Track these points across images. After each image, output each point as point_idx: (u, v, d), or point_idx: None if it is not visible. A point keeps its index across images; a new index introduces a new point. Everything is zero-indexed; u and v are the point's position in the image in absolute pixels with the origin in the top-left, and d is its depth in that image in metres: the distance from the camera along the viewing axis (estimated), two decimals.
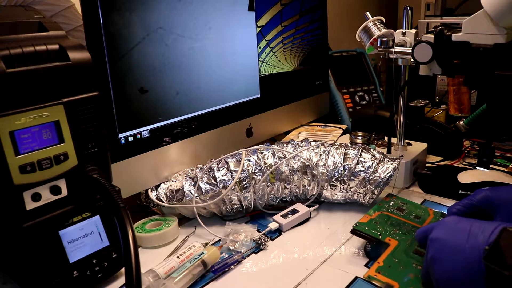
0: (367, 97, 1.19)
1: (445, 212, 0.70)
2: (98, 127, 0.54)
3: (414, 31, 0.76)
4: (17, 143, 0.47)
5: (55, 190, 0.51)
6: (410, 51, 0.72)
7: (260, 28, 0.92)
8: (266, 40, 0.94)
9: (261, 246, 0.66)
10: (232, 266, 0.61)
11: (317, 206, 0.76)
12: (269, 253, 0.65)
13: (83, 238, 0.54)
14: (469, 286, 0.44)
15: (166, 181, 0.75)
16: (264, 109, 0.96)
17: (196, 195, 0.69)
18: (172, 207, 0.71)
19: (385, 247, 0.60)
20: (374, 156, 0.74)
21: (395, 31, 0.78)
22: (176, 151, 0.77)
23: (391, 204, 0.71)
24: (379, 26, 0.79)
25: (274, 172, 0.73)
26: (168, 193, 0.72)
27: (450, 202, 0.77)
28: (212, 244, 0.66)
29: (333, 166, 0.73)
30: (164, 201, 0.71)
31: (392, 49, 0.77)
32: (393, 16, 1.65)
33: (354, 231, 0.63)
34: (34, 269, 0.51)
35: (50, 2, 0.76)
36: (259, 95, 0.94)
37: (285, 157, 0.74)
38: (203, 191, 0.69)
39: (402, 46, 0.76)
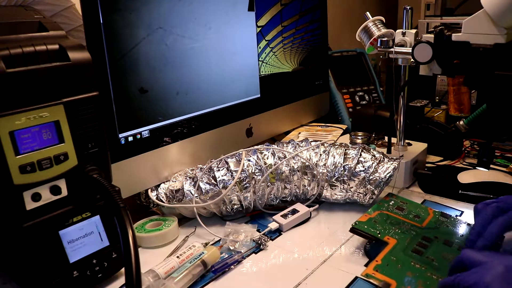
0: (367, 97, 1.19)
1: (445, 211, 0.70)
2: (98, 127, 0.54)
3: (414, 31, 0.76)
4: (17, 143, 0.47)
5: (55, 190, 0.51)
6: (410, 51, 0.72)
7: (260, 28, 0.92)
8: (266, 40, 0.94)
9: (261, 246, 0.66)
10: (232, 266, 0.61)
11: (317, 206, 0.76)
12: (269, 253, 0.65)
13: (83, 238, 0.54)
14: None
15: (166, 181, 0.75)
16: (264, 109, 0.96)
17: (196, 195, 0.69)
18: (172, 207, 0.71)
19: (384, 245, 0.60)
20: (374, 156, 0.74)
21: (395, 31, 0.78)
22: (176, 151, 0.77)
23: (391, 203, 0.71)
24: (379, 26, 0.79)
25: (274, 172, 0.73)
26: (168, 193, 0.72)
27: (450, 202, 0.77)
28: (212, 244, 0.66)
29: (333, 166, 0.73)
30: (164, 201, 0.71)
31: (392, 49, 0.77)
32: (393, 16, 1.65)
33: (353, 230, 0.63)
34: (34, 269, 0.51)
35: (50, 2, 0.76)
36: (259, 95, 0.94)
37: (285, 157, 0.74)
38: (203, 191, 0.69)
39: (402, 46, 0.76)
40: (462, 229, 0.65)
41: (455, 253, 0.58)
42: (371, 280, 0.55)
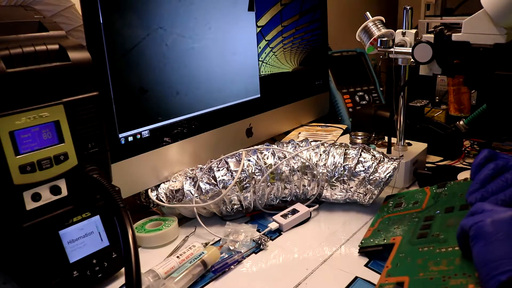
0: (367, 97, 1.19)
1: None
2: (98, 127, 0.54)
3: (414, 31, 0.76)
4: (17, 143, 0.47)
5: (55, 190, 0.51)
6: (410, 51, 0.72)
7: (260, 28, 0.92)
8: (266, 40, 0.94)
9: (261, 246, 0.66)
10: (232, 266, 0.61)
11: (317, 206, 0.76)
12: (269, 253, 0.65)
13: (83, 238, 0.54)
14: None
15: (166, 181, 0.75)
16: (264, 109, 0.96)
17: (196, 195, 0.69)
18: (172, 207, 0.71)
19: (391, 248, 0.58)
20: (374, 156, 0.74)
21: (395, 31, 0.78)
22: (176, 151, 0.77)
23: (389, 205, 0.71)
24: (379, 26, 0.79)
25: (274, 172, 0.73)
26: (168, 193, 0.72)
27: None
28: (212, 244, 0.66)
29: (333, 166, 0.73)
30: (164, 201, 0.71)
31: (392, 49, 0.77)
32: (393, 16, 1.65)
33: (362, 250, 0.62)
34: (34, 269, 0.51)
35: (50, 2, 0.76)
36: (259, 95, 0.94)
37: (285, 157, 0.74)
38: (203, 191, 0.69)
39: (402, 46, 0.77)
40: (459, 189, 0.63)
41: (458, 215, 0.57)
42: (386, 287, 0.52)
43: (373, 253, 0.62)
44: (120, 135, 0.68)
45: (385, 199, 0.74)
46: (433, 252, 0.53)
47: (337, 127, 1.08)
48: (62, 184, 0.52)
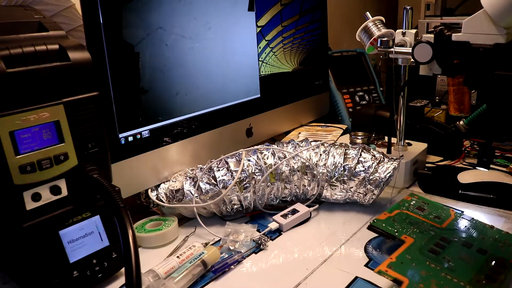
0: (367, 97, 1.19)
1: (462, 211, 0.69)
2: (98, 127, 0.54)
3: (414, 31, 0.76)
4: (17, 143, 0.47)
5: (55, 190, 0.51)
6: (410, 51, 0.72)
7: (260, 28, 0.92)
8: (266, 40, 0.94)
9: (261, 246, 0.66)
10: (232, 266, 0.61)
11: (317, 206, 0.76)
12: (269, 253, 0.65)
13: (83, 238, 0.54)
14: None
15: (166, 181, 0.75)
16: (264, 109, 0.96)
17: (196, 195, 0.69)
18: (172, 207, 0.71)
19: (401, 244, 0.60)
20: (374, 156, 0.74)
21: (395, 31, 0.78)
22: (176, 151, 0.77)
23: (412, 203, 0.71)
24: (379, 26, 0.79)
25: (274, 172, 0.73)
26: (168, 193, 0.72)
27: (450, 202, 0.77)
28: (212, 244, 0.66)
29: (333, 166, 0.73)
30: (164, 201, 0.71)
31: (392, 49, 0.77)
32: (393, 16, 1.65)
33: (372, 227, 0.64)
34: (34, 269, 0.51)
35: (50, 2, 0.76)
36: (259, 95, 0.94)
37: (285, 157, 0.74)
38: (203, 191, 0.69)
39: (402, 46, 0.76)
40: (483, 231, 0.63)
41: (474, 255, 0.57)
42: (383, 276, 0.54)
43: (379, 236, 0.64)
44: (120, 135, 0.68)
45: (409, 194, 0.75)
46: (439, 273, 0.54)
47: (337, 127, 1.08)
48: (62, 184, 0.52)
